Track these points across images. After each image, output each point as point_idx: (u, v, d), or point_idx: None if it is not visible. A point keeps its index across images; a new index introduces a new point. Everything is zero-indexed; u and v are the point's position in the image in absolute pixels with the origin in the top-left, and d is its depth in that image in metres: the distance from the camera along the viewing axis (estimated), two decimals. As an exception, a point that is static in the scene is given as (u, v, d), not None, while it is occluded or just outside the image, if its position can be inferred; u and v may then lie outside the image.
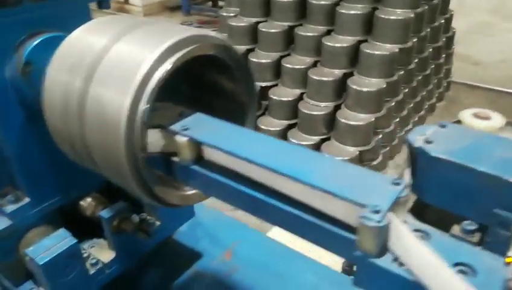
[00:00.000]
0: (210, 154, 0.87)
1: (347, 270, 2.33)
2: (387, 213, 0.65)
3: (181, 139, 0.88)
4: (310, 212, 0.73)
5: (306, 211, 0.74)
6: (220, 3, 8.58)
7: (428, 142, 0.80)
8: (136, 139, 0.88)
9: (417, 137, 0.82)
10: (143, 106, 0.87)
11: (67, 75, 0.98)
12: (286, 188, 0.75)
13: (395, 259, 0.66)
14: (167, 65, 0.89)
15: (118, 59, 0.91)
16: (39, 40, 1.19)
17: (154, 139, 0.94)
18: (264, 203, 0.78)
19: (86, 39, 1.01)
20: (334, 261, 1.83)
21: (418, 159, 0.79)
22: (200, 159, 0.91)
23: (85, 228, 1.44)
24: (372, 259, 0.67)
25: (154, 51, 0.88)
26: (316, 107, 3.83)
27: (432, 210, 0.84)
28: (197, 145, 0.89)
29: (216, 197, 0.91)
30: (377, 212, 0.64)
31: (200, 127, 0.90)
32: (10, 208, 1.33)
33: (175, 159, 0.93)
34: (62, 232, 1.29)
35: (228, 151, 0.81)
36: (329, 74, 3.80)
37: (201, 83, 1.20)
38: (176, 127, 0.91)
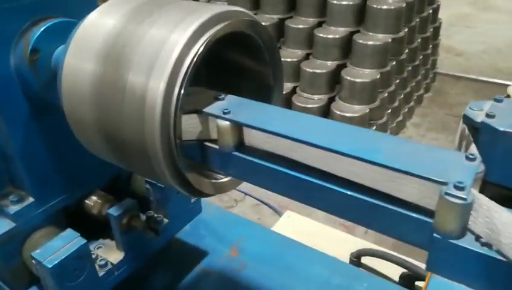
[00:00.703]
0: (254, 138, 0.80)
1: (355, 261, 2.30)
2: (471, 189, 0.60)
3: (223, 123, 0.81)
4: (376, 197, 0.67)
5: (372, 196, 0.68)
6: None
7: (490, 116, 0.75)
8: (172, 126, 0.81)
9: (475, 112, 0.77)
10: (177, 90, 0.80)
11: (91, 62, 0.90)
12: (347, 170, 0.68)
13: (478, 239, 0.61)
14: (200, 45, 0.82)
15: (147, 42, 0.84)
16: (46, 26, 1.11)
17: (189, 125, 0.86)
18: (320, 189, 0.71)
19: (106, 23, 0.92)
20: (340, 254, 1.80)
21: (481, 134, 0.74)
22: (241, 145, 0.84)
23: (89, 229, 1.36)
24: (453, 240, 0.61)
25: (186, 31, 0.81)
26: (310, 100, 3.80)
27: (489, 189, 0.80)
28: (239, 129, 0.82)
29: (259, 185, 0.84)
30: (462, 189, 0.59)
31: (240, 110, 0.83)
32: (13, 208, 1.24)
33: (212, 145, 0.86)
34: (70, 232, 1.21)
35: (280, 134, 0.73)
36: (323, 66, 3.78)
37: (219, 63, 1.12)
38: (215, 110, 0.83)
